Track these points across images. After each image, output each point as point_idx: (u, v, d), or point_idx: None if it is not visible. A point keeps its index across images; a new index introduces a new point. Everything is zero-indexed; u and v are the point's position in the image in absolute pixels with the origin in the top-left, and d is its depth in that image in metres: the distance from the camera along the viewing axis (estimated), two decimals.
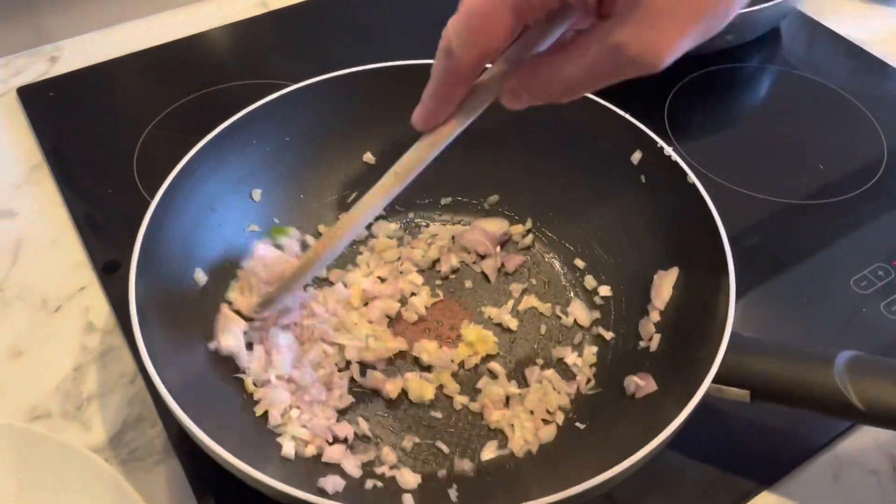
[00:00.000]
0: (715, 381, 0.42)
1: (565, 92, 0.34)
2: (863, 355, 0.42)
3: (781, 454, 0.48)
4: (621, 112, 0.53)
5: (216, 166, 0.52)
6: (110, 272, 0.57)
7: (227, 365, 0.48)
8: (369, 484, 0.44)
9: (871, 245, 0.60)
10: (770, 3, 0.68)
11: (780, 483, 0.47)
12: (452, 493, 0.44)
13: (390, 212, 0.59)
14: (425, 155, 0.39)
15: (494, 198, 0.59)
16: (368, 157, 0.58)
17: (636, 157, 0.53)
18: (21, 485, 0.45)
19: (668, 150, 0.51)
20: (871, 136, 0.69)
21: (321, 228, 0.57)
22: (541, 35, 0.35)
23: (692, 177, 0.50)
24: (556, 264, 0.57)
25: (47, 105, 0.70)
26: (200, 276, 0.50)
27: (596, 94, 0.54)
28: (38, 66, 0.75)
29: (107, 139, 0.67)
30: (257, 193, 0.55)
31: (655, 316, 0.50)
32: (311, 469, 0.45)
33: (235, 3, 0.82)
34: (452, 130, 0.38)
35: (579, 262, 0.56)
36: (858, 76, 0.76)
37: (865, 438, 0.50)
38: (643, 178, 0.53)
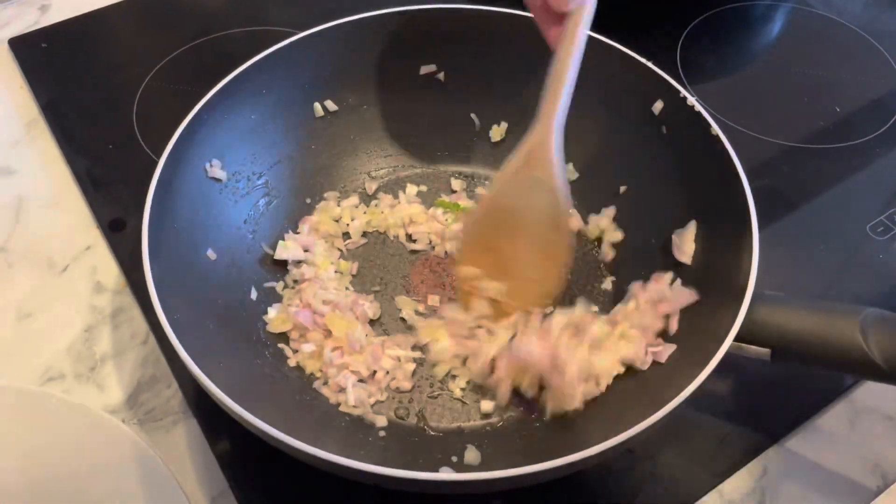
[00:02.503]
0: (737, 339, 0.41)
1: None
2: (887, 313, 0.41)
3: (797, 404, 0.49)
4: (642, 59, 0.52)
5: (226, 116, 0.50)
6: (116, 230, 0.56)
7: (241, 323, 0.48)
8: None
9: (888, 190, 0.59)
10: None
11: (798, 430, 0.48)
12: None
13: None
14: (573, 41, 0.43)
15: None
16: (379, 106, 0.57)
17: (657, 106, 0.52)
18: (40, 449, 0.45)
19: (692, 99, 0.50)
20: (888, 75, 0.68)
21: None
22: None
23: (716, 128, 0.48)
24: (576, 213, 0.56)
25: (41, 56, 0.68)
26: (211, 253, 0.49)
27: (612, 38, 0.53)
28: (28, 16, 0.72)
29: (104, 92, 0.65)
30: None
31: (668, 277, 0.49)
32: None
33: None
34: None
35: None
36: (873, 11, 0.74)
37: (879, 386, 0.50)
38: (664, 128, 0.52)
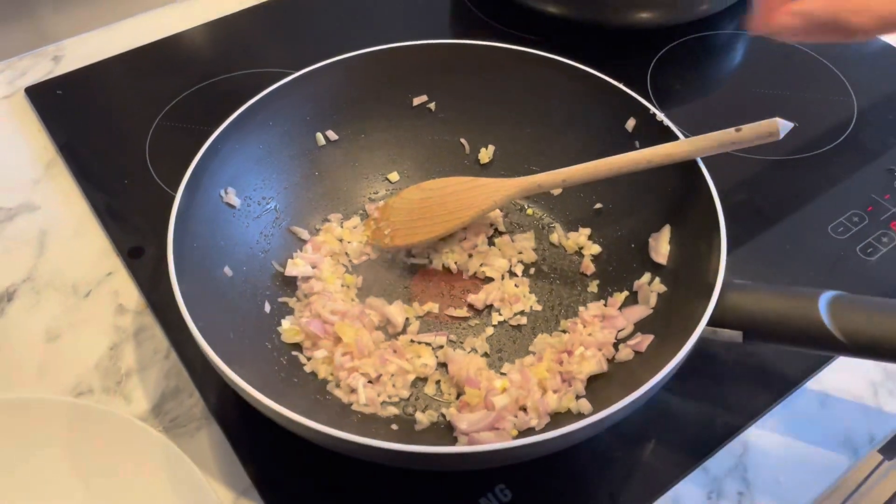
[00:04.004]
0: (710, 323, 0.46)
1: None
2: (843, 294, 0.46)
3: (771, 388, 0.53)
4: (616, 83, 0.57)
5: (237, 147, 0.55)
6: (136, 257, 0.60)
7: (257, 333, 0.52)
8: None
9: (846, 194, 0.64)
10: None
11: (773, 411, 0.52)
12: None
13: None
14: None
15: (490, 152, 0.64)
16: (375, 134, 0.62)
17: (630, 123, 0.57)
18: (76, 456, 0.48)
19: (660, 115, 0.55)
20: (842, 94, 0.74)
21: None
22: None
23: (683, 139, 0.53)
24: (559, 228, 0.61)
25: (56, 103, 0.73)
26: (228, 271, 0.53)
27: (588, 65, 0.58)
28: (42, 66, 0.77)
29: (117, 132, 0.70)
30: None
31: (646, 278, 0.54)
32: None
33: None
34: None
35: (579, 227, 0.60)
36: None
37: (848, 370, 0.54)
38: (637, 143, 0.57)
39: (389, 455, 0.40)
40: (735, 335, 0.46)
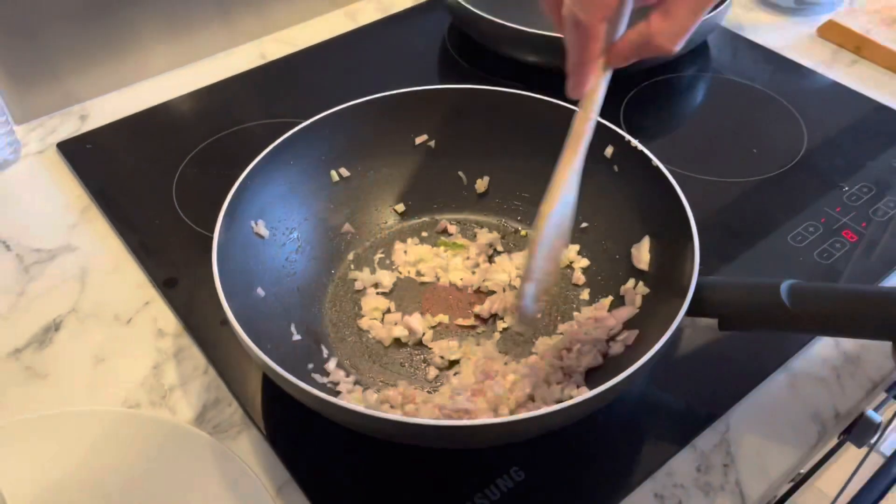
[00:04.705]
0: (688, 314, 0.53)
1: (679, 37, 0.46)
2: (800, 281, 0.53)
3: (748, 374, 0.60)
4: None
5: (264, 183, 0.62)
6: (171, 287, 0.66)
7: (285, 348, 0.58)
8: None
9: (802, 208, 0.72)
10: None
11: (751, 394, 0.59)
12: None
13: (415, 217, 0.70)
14: (589, 116, 0.51)
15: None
16: (383, 170, 0.70)
17: (609, 151, 0.65)
18: (132, 460, 0.54)
19: (635, 142, 0.63)
20: (793, 123, 0.83)
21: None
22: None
23: (656, 161, 0.61)
24: None
25: (86, 156, 0.80)
26: (260, 291, 0.60)
27: (568, 102, 0.66)
28: (70, 124, 0.84)
29: (145, 179, 0.77)
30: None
31: (631, 283, 0.62)
32: None
33: (238, 57, 0.93)
34: (598, 88, 0.50)
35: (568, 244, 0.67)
36: (778, 76, 0.90)
37: (813, 357, 0.61)
38: (616, 168, 0.65)
39: (413, 430, 0.47)
40: (711, 323, 0.53)
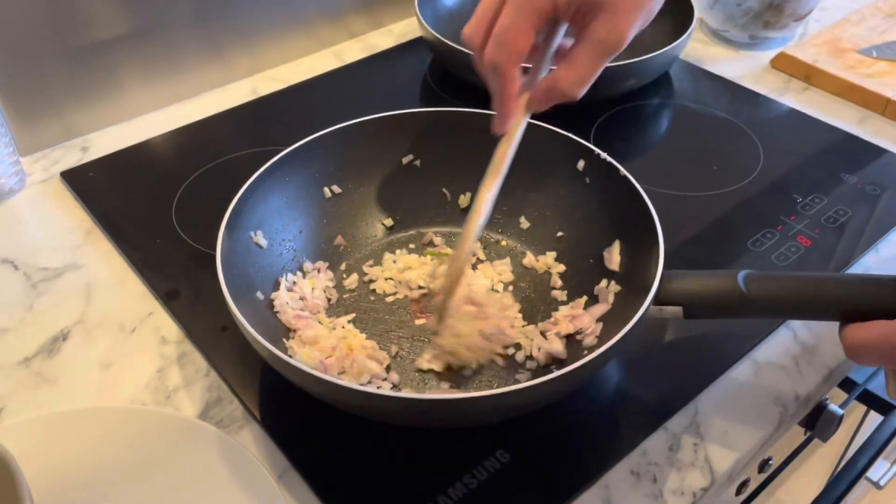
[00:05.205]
0: (655, 303, 0.58)
1: (580, 84, 0.51)
2: (755, 271, 0.58)
3: (715, 363, 0.65)
4: (568, 133, 0.71)
5: (262, 197, 0.67)
6: (172, 298, 0.70)
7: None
8: None
9: (760, 217, 0.78)
10: (657, 53, 0.89)
11: (717, 381, 0.63)
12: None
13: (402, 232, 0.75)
14: (509, 148, 0.57)
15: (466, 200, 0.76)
16: (372, 187, 0.75)
17: (580, 164, 0.70)
18: (142, 454, 0.57)
19: (604, 154, 0.69)
20: (750, 143, 0.89)
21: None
22: (546, 43, 0.54)
23: (623, 171, 0.67)
24: (530, 254, 0.73)
25: (89, 183, 0.84)
26: (260, 295, 0.64)
27: (543, 122, 0.72)
28: (72, 156, 0.89)
29: (147, 203, 0.81)
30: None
31: (604, 283, 0.67)
32: None
33: (232, 93, 0.99)
34: (519, 125, 0.56)
35: (546, 251, 0.72)
36: (736, 104, 0.97)
37: (774, 345, 0.66)
38: (587, 180, 0.70)
39: (398, 404, 0.51)
40: (677, 311, 0.58)
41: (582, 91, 0.53)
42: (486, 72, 0.54)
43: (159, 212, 0.80)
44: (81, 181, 0.84)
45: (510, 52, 0.52)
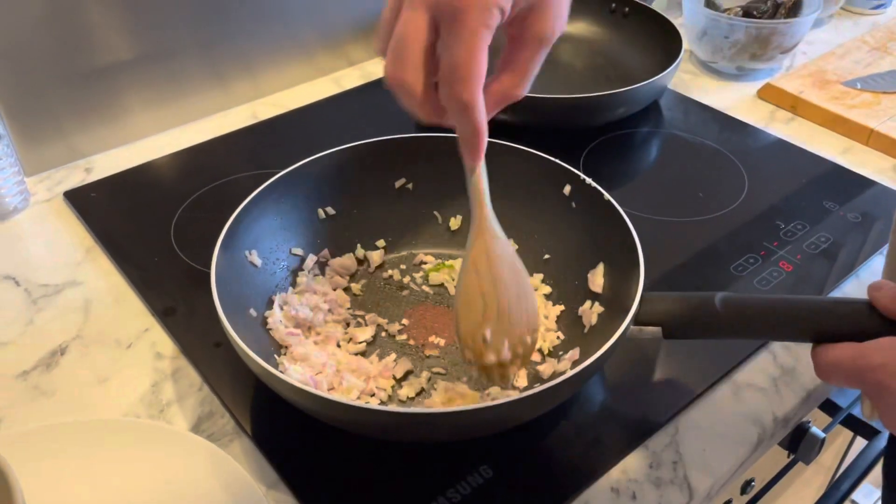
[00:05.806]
0: (635, 323, 0.59)
1: (526, 85, 0.53)
2: (732, 293, 0.60)
3: (695, 384, 0.66)
4: (555, 159, 0.73)
5: (257, 218, 0.69)
6: (169, 315, 0.72)
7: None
8: None
9: (743, 243, 0.80)
10: (646, 82, 0.92)
11: (697, 402, 0.65)
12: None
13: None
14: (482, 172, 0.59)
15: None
16: (365, 210, 0.77)
17: (566, 189, 0.72)
18: (135, 465, 0.58)
19: (589, 180, 0.71)
20: (735, 172, 0.92)
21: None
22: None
23: (607, 196, 0.69)
24: None
25: (90, 203, 0.86)
26: (252, 312, 0.66)
27: (532, 147, 0.74)
28: (76, 176, 0.91)
29: (146, 223, 0.83)
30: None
31: (588, 304, 0.68)
32: None
33: (232, 117, 1.02)
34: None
35: (533, 273, 0.74)
36: (724, 133, 0.99)
37: (753, 367, 0.68)
38: (573, 204, 0.72)
39: (387, 418, 0.52)
40: (656, 331, 0.60)
41: (525, 90, 0.54)
42: (452, 112, 0.50)
43: (158, 231, 0.82)
44: (84, 201, 0.87)
45: (475, 81, 0.48)
